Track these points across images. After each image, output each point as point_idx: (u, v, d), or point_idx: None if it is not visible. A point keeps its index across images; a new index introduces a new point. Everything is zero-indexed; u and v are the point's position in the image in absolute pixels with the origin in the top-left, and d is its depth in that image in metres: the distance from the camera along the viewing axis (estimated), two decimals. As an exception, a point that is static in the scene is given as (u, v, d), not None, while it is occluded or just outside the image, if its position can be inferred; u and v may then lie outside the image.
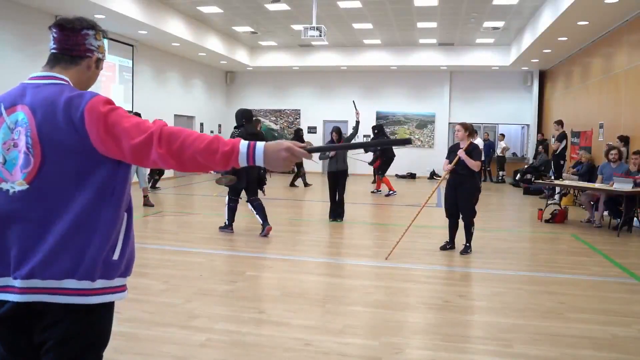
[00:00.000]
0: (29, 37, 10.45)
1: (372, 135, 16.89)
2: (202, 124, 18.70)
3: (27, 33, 10.46)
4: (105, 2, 10.39)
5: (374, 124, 18.39)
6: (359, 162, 17.94)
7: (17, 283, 1.63)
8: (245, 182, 7.50)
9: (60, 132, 1.63)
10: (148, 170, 10.86)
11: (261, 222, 7.59)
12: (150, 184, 12.20)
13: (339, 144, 2.17)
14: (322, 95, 20.16)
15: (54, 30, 1.81)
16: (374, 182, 15.41)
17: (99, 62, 1.88)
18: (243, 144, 1.69)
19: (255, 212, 7.60)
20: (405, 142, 1.91)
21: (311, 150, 1.77)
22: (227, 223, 7.81)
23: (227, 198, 7.75)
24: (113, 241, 1.72)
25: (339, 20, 14.24)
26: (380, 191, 13.62)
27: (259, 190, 7.86)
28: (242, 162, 1.68)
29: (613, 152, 9.13)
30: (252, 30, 15.75)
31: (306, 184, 14.34)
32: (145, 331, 3.82)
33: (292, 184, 14.66)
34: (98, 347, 1.76)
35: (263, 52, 18.87)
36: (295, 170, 14.89)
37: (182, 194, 13.15)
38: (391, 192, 13.00)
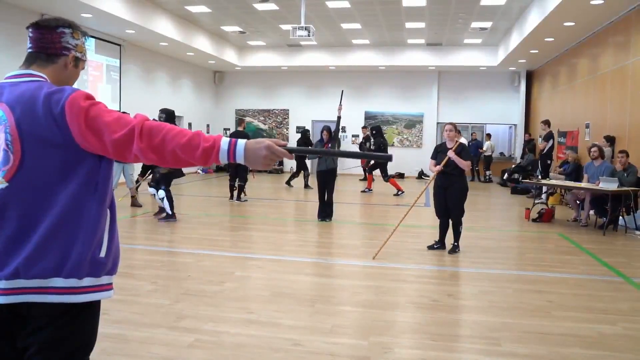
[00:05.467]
0: (15, 37, 10.31)
1: (361, 135, 17.01)
2: (190, 124, 18.61)
3: (13, 32, 10.33)
4: (92, 1, 10.28)
5: (363, 124, 18.47)
6: (349, 161, 18.00)
7: (1, 284, 1.60)
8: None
9: (40, 127, 1.61)
10: (134, 170, 10.76)
11: (161, 209, 8.70)
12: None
13: (320, 149, 2.20)
14: (310, 95, 20.15)
15: (30, 30, 1.80)
16: (363, 179, 15.44)
17: (77, 61, 1.86)
18: (224, 140, 1.68)
19: (162, 201, 8.57)
20: (387, 158, 1.97)
21: (292, 150, 1.78)
22: (170, 213, 8.49)
23: (161, 191, 8.48)
24: (99, 238, 1.70)
25: (328, 20, 14.25)
26: (371, 190, 13.64)
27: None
28: (223, 159, 1.69)
29: (593, 149, 9.23)
30: (241, 30, 15.70)
31: (307, 186, 14.27)
32: (133, 332, 3.80)
33: (289, 183, 14.63)
34: (84, 351, 1.75)
35: (252, 52, 18.82)
36: (294, 169, 14.78)
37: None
38: (399, 192, 12.99)
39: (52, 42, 1.79)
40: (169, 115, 8.42)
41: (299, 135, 14.97)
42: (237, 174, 11.22)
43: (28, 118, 1.62)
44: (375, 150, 13.23)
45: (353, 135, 18.93)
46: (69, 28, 1.82)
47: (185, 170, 10.75)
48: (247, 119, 20.45)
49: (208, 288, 4.98)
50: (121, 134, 1.62)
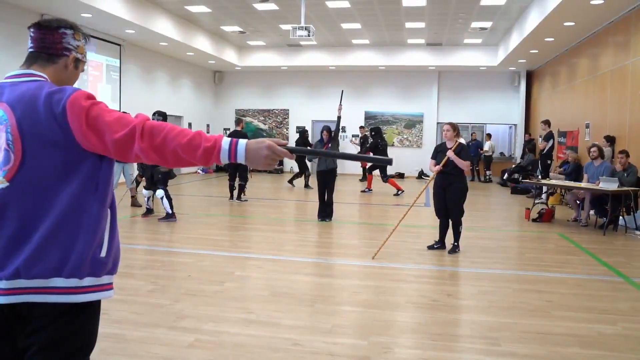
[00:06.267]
0: (15, 37, 10.31)
1: (360, 135, 17.02)
2: (190, 124, 18.61)
3: (13, 32, 10.33)
4: (92, 1, 10.28)
5: (363, 124, 18.48)
6: (349, 164, 18.00)
7: (2, 284, 1.60)
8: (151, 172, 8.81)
9: (41, 127, 1.61)
10: (134, 170, 10.76)
11: (149, 210, 9.04)
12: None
13: (321, 150, 2.21)
14: (310, 95, 20.15)
15: (32, 30, 1.80)
16: (363, 179, 15.43)
17: (77, 62, 1.86)
18: (225, 140, 1.69)
19: (151, 200, 9.04)
20: (387, 162, 1.98)
21: (293, 150, 1.79)
22: (170, 212, 8.53)
23: (160, 190, 8.55)
24: (99, 238, 1.70)
25: (328, 20, 14.25)
26: (371, 190, 13.64)
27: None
28: (224, 159, 1.69)
29: (593, 149, 9.23)
30: (241, 30, 15.70)
31: (307, 185, 14.28)
32: (133, 332, 3.80)
33: (291, 182, 14.64)
34: (84, 351, 1.74)
35: (251, 51, 18.83)
36: (296, 170, 14.78)
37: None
38: (399, 191, 13.01)
39: (53, 43, 1.79)
40: (165, 118, 8.58)
41: (298, 135, 14.98)
42: (238, 174, 11.23)
43: (29, 118, 1.62)
44: (373, 151, 13.23)
45: (353, 135, 18.93)
46: (71, 29, 1.82)
47: (185, 170, 10.79)
48: (247, 118, 20.45)
49: (208, 288, 4.98)
50: (122, 133, 1.62)
